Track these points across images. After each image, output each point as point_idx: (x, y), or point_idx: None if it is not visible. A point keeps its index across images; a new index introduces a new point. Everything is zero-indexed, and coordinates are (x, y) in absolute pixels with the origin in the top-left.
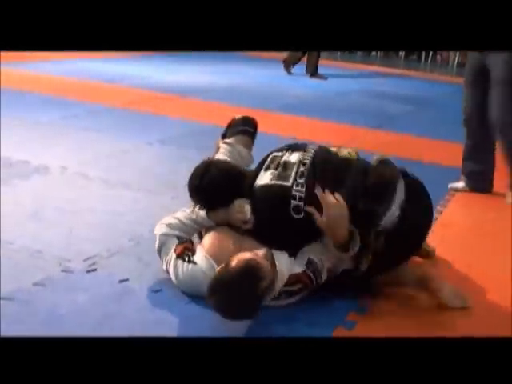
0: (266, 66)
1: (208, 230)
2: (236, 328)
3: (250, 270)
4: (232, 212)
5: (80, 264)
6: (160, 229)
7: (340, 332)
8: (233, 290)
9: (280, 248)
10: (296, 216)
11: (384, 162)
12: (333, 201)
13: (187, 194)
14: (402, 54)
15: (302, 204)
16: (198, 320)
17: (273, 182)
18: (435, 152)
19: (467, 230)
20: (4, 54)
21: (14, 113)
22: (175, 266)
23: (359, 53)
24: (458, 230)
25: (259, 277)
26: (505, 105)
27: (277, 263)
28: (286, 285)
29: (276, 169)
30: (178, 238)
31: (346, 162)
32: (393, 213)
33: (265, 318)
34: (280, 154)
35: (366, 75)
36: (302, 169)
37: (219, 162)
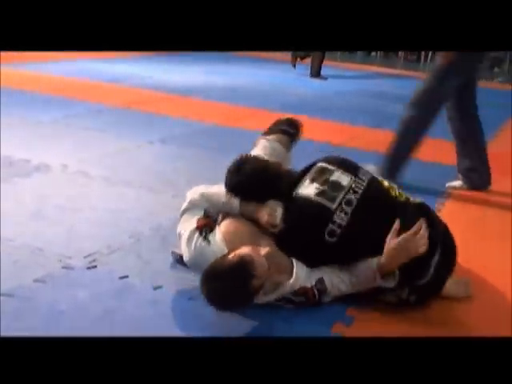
0: (265, 66)
1: (228, 216)
2: (233, 325)
3: (243, 266)
4: (263, 212)
5: (80, 261)
6: (193, 194)
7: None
8: (223, 282)
9: (297, 259)
10: (329, 239)
11: (427, 212)
12: (423, 233)
13: (186, 191)
14: (401, 54)
15: (339, 231)
16: (197, 317)
17: (317, 198)
18: (434, 150)
19: (465, 228)
20: (4, 54)
21: (15, 112)
22: (190, 237)
23: (359, 53)
24: (456, 228)
25: (251, 274)
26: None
27: (295, 270)
28: (292, 293)
29: (323, 185)
30: (205, 210)
31: (397, 204)
32: (430, 273)
33: (265, 316)
34: (330, 167)
35: (366, 76)
36: (351, 196)
37: (256, 158)
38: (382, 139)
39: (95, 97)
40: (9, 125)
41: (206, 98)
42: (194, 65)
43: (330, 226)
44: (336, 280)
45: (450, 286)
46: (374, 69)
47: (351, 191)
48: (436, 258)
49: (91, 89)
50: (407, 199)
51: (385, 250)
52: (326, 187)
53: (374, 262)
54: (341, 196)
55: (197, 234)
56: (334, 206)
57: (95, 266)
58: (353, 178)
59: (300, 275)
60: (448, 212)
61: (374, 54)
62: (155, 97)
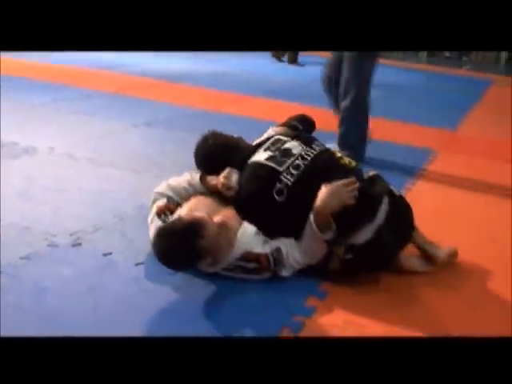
0: (249, 54)
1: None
2: (211, 295)
3: (193, 225)
4: (219, 177)
5: (65, 239)
6: (159, 187)
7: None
8: (172, 238)
9: (256, 226)
10: (278, 198)
11: (375, 180)
12: (354, 186)
13: (171, 172)
14: None
15: (286, 190)
16: (179, 291)
17: (267, 162)
18: (406, 134)
19: (433, 206)
20: None
21: (8, 96)
22: (151, 222)
23: None
24: (424, 206)
25: (200, 234)
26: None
27: (239, 234)
28: (242, 259)
29: (274, 152)
30: (169, 198)
31: (344, 170)
32: (366, 232)
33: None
34: (284, 138)
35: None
36: (299, 162)
37: (218, 133)
38: None
39: (84, 83)
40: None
41: (194, 84)
42: (180, 52)
43: (278, 185)
44: (293, 251)
45: (414, 260)
46: None
47: (300, 158)
48: (378, 221)
49: (81, 75)
50: (357, 167)
51: (318, 196)
52: (276, 153)
53: (311, 216)
54: (289, 161)
55: (156, 218)
56: (281, 169)
57: (80, 244)
58: (304, 147)
59: (247, 238)
60: (418, 190)
61: None
62: (144, 83)
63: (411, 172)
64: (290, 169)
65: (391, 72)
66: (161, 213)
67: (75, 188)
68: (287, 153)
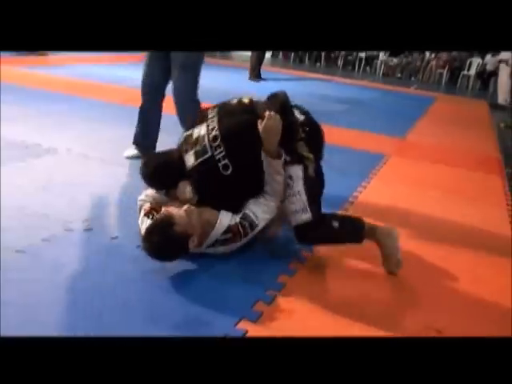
0: (228, 72)
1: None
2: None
3: (164, 219)
4: (178, 193)
5: (79, 225)
6: (141, 196)
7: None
8: (152, 235)
9: (225, 209)
10: (226, 172)
11: (273, 97)
12: (270, 114)
13: None
14: (340, 64)
15: (227, 161)
16: (166, 271)
17: (198, 161)
18: (364, 141)
19: (383, 200)
20: (26, 58)
21: (31, 105)
22: (141, 222)
23: (307, 62)
24: (377, 201)
25: (171, 223)
26: (182, 87)
27: (219, 219)
28: (220, 235)
29: (192, 147)
30: (151, 203)
31: (243, 105)
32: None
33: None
34: (188, 132)
35: (312, 81)
36: (213, 134)
37: (152, 156)
38: (325, 131)
39: (96, 94)
40: (25, 115)
41: None
42: None
43: (219, 164)
44: (259, 208)
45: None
46: (319, 76)
47: (210, 131)
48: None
49: (93, 88)
50: (251, 98)
51: (260, 136)
52: (196, 148)
53: (265, 158)
54: (207, 142)
55: (145, 218)
56: (209, 153)
57: (91, 229)
58: (205, 123)
59: (223, 218)
60: (372, 188)
61: (318, 64)
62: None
63: (367, 173)
64: (212, 144)
65: (353, 89)
66: (148, 214)
67: (88, 183)
68: (200, 139)
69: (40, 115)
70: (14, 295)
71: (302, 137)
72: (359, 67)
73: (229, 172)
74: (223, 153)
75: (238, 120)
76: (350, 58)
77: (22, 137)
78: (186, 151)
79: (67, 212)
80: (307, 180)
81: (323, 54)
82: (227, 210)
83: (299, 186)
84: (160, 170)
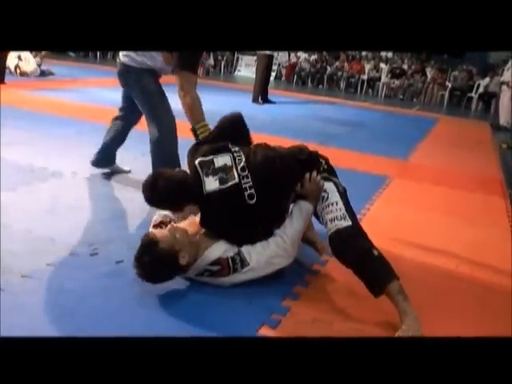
0: (232, 94)
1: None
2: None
3: (146, 240)
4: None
5: (85, 249)
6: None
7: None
8: (140, 258)
9: (240, 237)
10: (250, 202)
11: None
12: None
13: None
14: (342, 86)
15: (253, 191)
16: (172, 294)
17: (221, 186)
18: (366, 163)
19: (388, 223)
20: (33, 82)
21: (37, 129)
22: None
23: (309, 85)
24: (380, 222)
25: (155, 241)
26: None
27: (211, 247)
28: (209, 264)
29: (216, 174)
30: (164, 217)
31: (277, 151)
32: None
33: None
34: (207, 158)
35: (314, 103)
36: (241, 165)
37: (163, 173)
38: (328, 154)
39: (100, 118)
40: (32, 139)
41: (185, 119)
42: (175, 92)
43: (246, 192)
44: (255, 250)
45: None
46: (321, 98)
47: (237, 162)
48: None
49: (97, 112)
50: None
51: (307, 195)
52: (220, 175)
53: (305, 204)
54: (234, 171)
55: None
56: (237, 180)
57: (97, 253)
58: (230, 154)
59: (215, 248)
60: (376, 209)
61: (320, 86)
62: None
63: (371, 195)
64: (241, 173)
65: (354, 111)
66: (157, 226)
67: (93, 206)
68: (226, 168)
69: (46, 139)
70: (19, 319)
71: (325, 168)
72: (361, 89)
73: (253, 202)
74: (250, 183)
75: (265, 154)
76: (352, 80)
77: (29, 160)
78: (207, 175)
79: (73, 236)
80: (341, 194)
81: (325, 76)
82: (242, 238)
83: (336, 197)
84: (176, 188)
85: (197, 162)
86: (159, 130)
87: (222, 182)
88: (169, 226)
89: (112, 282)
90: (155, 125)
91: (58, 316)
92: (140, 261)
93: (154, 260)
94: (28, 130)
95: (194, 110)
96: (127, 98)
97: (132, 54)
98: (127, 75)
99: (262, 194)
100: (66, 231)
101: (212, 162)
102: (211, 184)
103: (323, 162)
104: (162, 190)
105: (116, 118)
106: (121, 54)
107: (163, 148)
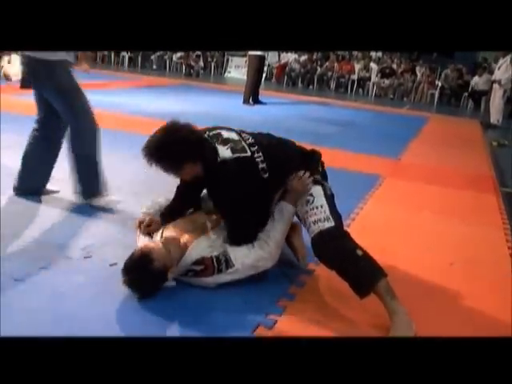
0: (222, 96)
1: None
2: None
3: (141, 256)
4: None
5: (78, 252)
6: (145, 206)
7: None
8: (132, 273)
9: (250, 211)
10: (264, 175)
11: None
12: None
13: (167, 195)
14: (332, 86)
15: (265, 165)
16: (167, 296)
17: (236, 155)
18: (358, 162)
19: (381, 222)
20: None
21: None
22: (138, 239)
23: (300, 85)
24: (373, 221)
25: (150, 259)
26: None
27: (191, 247)
28: (193, 264)
29: (226, 143)
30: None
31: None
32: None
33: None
34: (213, 132)
35: (305, 103)
36: (249, 141)
37: (181, 125)
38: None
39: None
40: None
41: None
42: (171, 95)
43: (260, 166)
44: (241, 252)
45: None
46: (312, 98)
47: (244, 138)
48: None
49: None
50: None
51: (290, 195)
52: (231, 144)
53: (287, 205)
54: (244, 144)
55: (141, 235)
56: (249, 153)
57: (90, 256)
58: (235, 132)
59: (197, 247)
60: (368, 209)
61: (311, 87)
62: (140, 121)
63: (363, 194)
64: (251, 148)
65: (345, 111)
66: (140, 224)
67: (86, 208)
68: (234, 141)
69: None
70: (13, 322)
71: (320, 171)
72: (351, 89)
73: (266, 176)
74: (261, 157)
75: (270, 136)
76: (342, 80)
77: (19, 164)
78: (218, 143)
79: (67, 240)
80: (327, 198)
81: (316, 77)
82: (251, 213)
83: (321, 201)
84: (193, 141)
85: (205, 135)
86: (79, 118)
87: (233, 151)
88: (162, 239)
89: (106, 285)
90: (74, 116)
91: (50, 319)
92: (129, 274)
93: (145, 278)
94: (20, 135)
95: None
96: (44, 101)
97: None
98: (36, 70)
99: (273, 171)
100: (61, 235)
101: (220, 134)
102: (224, 152)
103: (321, 165)
104: (182, 139)
105: (36, 130)
106: None
107: (84, 136)
